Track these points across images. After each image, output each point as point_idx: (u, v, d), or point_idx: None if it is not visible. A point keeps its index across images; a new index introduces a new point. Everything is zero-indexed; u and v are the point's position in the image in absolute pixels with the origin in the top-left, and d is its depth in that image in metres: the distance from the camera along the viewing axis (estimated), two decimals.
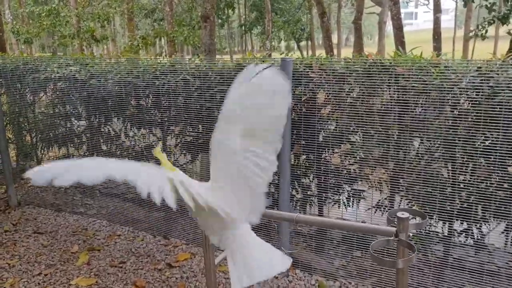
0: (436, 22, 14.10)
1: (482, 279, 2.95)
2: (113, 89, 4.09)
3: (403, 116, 2.98)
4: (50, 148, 4.94)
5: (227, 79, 3.47)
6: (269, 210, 1.71)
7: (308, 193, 3.40)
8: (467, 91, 2.67)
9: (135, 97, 4.06)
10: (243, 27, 24.38)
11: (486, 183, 2.76)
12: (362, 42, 15.43)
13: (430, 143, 2.94)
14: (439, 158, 2.93)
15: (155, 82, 3.80)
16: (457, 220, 2.96)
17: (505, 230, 2.90)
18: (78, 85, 4.30)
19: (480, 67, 2.78)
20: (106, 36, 17.41)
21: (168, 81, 3.74)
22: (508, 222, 2.82)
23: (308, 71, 3.15)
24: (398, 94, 2.92)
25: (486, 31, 10.32)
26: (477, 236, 2.98)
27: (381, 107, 3.02)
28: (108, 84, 4.10)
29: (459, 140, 2.78)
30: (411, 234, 1.48)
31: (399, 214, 1.47)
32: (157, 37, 14.57)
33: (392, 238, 1.46)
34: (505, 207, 2.73)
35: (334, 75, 3.09)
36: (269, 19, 15.60)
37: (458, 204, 2.89)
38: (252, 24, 23.54)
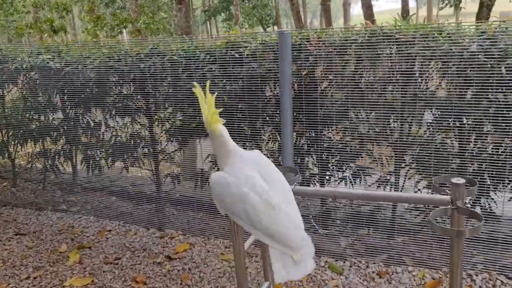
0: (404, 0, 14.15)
1: (493, 248, 2.91)
2: (93, 76, 3.82)
3: (409, 86, 2.87)
4: (25, 144, 4.61)
5: (218, 58, 3.27)
6: (304, 187, 1.56)
7: (313, 171, 3.26)
8: (478, 55, 2.57)
9: (116, 83, 3.81)
10: (206, 13, 23.93)
11: (498, 150, 2.69)
12: (332, 24, 15.38)
13: (439, 113, 2.85)
14: (449, 129, 2.85)
15: (139, 65, 3.55)
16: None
17: None
18: (53, 74, 4.00)
19: (484, 32, 2.70)
20: (65, 27, 16.65)
21: (154, 63, 3.50)
22: None
23: (306, 44, 2.99)
24: (404, 63, 2.80)
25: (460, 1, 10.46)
26: (487, 206, 2.93)
27: (386, 78, 2.90)
28: (87, 71, 3.82)
29: (469, 107, 2.69)
30: (467, 201, 1.36)
31: (454, 180, 1.34)
32: (120, 25, 14.00)
33: (449, 206, 1.33)
34: None
35: (334, 47, 2.94)
36: (236, 4, 15.31)
37: (468, 174, 2.81)
38: (217, 10, 23.13)
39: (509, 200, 2.92)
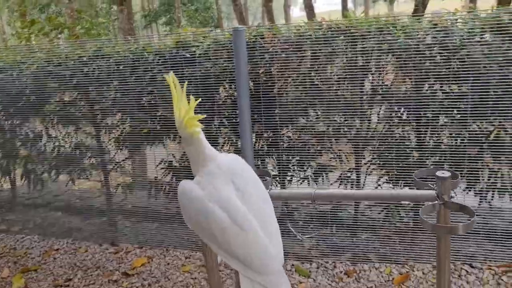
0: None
1: (454, 238, 2.94)
2: (29, 83, 3.51)
3: (364, 81, 2.85)
4: None
5: (168, 59, 3.10)
6: (284, 190, 1.44)
7: (274, 172, 3.16)
8: (433, 47, 2.58)
9: (57, 89, 3.52)
10: (147, 18, 23.35)
11: (456, 141, 2.72)
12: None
13: (397, 107, 2.83)
14: (407, 122, 2.84)
15: (82, 69, 3.30)
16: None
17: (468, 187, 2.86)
18: None
19: (436, 24, 2.72)
20: None
21: (98, 66, 3.27)
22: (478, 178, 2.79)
23: (261, 42, 2.89)
24: (361, 57, 2.77)
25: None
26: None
27: (343, 73, 2.85)
28: (23, 77, 3.51)
29: (427, 100, 2.70)
30: (454, 195, 1.30)
31: (439, 173, 1.27)
32: (56, 30, 13.23)
33: (437, 202, 1.26)
34: (476, 164, 2.70)
35: (289, 44, 2.86)
36: (178, 6, 15.01)
37: (429, 166, 2.82)
38: (158, 14, 22.64)
39: (463, 190, 2.95)
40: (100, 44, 3.43)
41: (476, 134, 2.64)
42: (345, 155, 3.11)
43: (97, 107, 3.50)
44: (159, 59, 3.16)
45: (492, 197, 2.72)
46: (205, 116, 1.24)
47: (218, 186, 1.25)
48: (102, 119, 3.57)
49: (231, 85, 3.04)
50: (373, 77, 2.89)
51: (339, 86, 2.89)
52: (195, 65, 3.01)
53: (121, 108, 3.36)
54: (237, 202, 1.23)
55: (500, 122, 2.60)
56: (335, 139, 3.05)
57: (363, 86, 2.90)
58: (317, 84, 2.92)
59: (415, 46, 2.60)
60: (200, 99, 1.25)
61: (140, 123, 3.30)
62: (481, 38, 2.53)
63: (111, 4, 18.01)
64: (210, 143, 1.32)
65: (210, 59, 2.99)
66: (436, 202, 1.25)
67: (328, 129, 3.00)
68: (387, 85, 2.85)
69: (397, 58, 2.70)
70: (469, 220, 1.16)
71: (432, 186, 1.33)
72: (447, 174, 1.27)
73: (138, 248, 3.43)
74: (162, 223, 3.53)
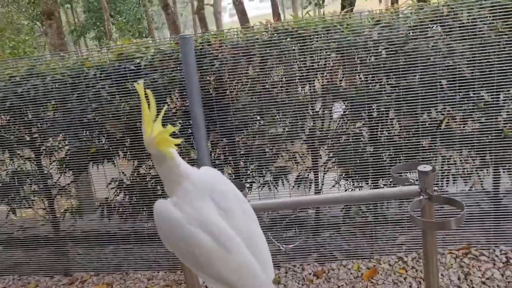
0: (273, 3, 14.67)
1: (411, 227, 3.01)
2: None
3: (316, 81, 2.86)
4: None
5: (112, 73, 2.94)
6: (262, 201, 1.38)
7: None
8: (381, 43, 2.63)
9: None
10: (74, 33, 22.44)
11: (409, 133, 2.78)
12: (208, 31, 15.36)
13: (349, 105, 2.86)
14: (359, 118, 2.87)
15: (16, 90, 3.05)
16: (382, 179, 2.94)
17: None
18: None
19: (379, 21, 2.77)
20: None
21: (34, 85, 3.03)
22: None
23: (209, 49, 2.81)
24: (309, 57, 2.77)
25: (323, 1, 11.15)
26: None
27: (293, 74, 2.84)
28: None
29: (378, 95, 2.74)
30: (436, 189, 1.29)
31: (421, 168, 1.27)
32: None
33: (422, 197, 1.25)
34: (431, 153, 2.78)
35: (238, 49, 2.80)
36: (108, 19, 14.52)
37: (385, 160, 2.87)
38: (86, 28, 21.80)
39: (416, 180, 3.03)
40: (33, 62, 3.19)
41: (428, 124, 2.72)
42: (300, 156, 3.11)
43: (35, 130, 3.25)
44: (101, 74, 2.99)
45: (447, 183, 2.81)
46: (182, 141, 1.12)
47: (197, 205, 1.15)
48: (42, 142, 3.32)
49: (181, 95, 2.93)
50: (322, 76, 2.90)
51: (289, 88, 2.88)
52: (141, 77, 2.87)
53: (63, 129, 3.14)
54: (220, 221, 1.14)
55: (448, 111, 2.69)
56: (290, 141, 3.04)
57: (314, 86, 2.90)
58: (268, 88, 2.89)
59: (363, 43, 2.63)
60: (178, 126, 1.13)
61: (85, 142, 3.10)
62: (423, 32, 2.61)
63: (33, 20, 17.11)
64: None
65: (156, 70, 2.87)
66: (422, 197, 1.24)
67: (284, 131, 2.97)
68: (336, 83, 2.88)
69: (345, 56, 2.72)
70: (459, 214, 1.15)
71: (412, 181, 1.31)
72: (428, 168, 1.27)
73: (95, 275, 3.21)
74: (119, 245, 3.34)
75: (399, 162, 2.83)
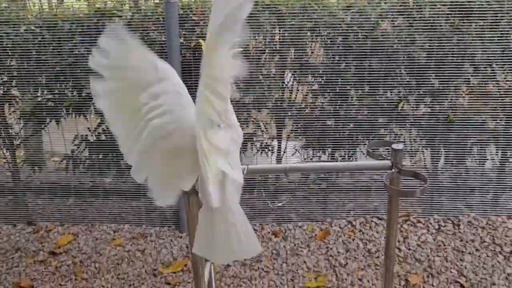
0: None
1: (364, 195, 3.37)
2: None
3: (286, 55, 3.05)
4: None
5: (89, 28, 2.95)
6: (256, 165, 1.59)
7: None
8: (353, 27, 2.86)
9: None
10: None
11: (369, 110, 3.08)
12: None
13: (316, 78, 3.09)
14: (323, 92, 3.12)
15: None
16: (341, 149, 3.25)
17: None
18: None
19: (349, 6, 2.99)
20: None
21: (7, 33, 2.97)
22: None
23: (191, 15, 2.90)
24: (287, 34, 2.95)
25: None
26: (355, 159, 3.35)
27: (267, 45, 3.01)
28: None
29: (348, 70, 2.99)
30: (404, 164, 1.56)
31: (395, 146, 1.52)
32: None
33: (393, 170, 1.51)
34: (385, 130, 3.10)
35: None
36: None
37: (343, 132, 3.16)
38: None
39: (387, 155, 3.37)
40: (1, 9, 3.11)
41: (387, 105, 3.02)
42: (265, 125, 3.33)
43: None
44: (76, 28, 2.99)
45: None
46: None
47: None
48: (6, 92, 3.27)
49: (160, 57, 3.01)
50: (296, 50, 3.10)
51: (265, 58, 3.05)
52: None
53: (32, 80, 3.12)
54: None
55: (404, 95, 3.01)
56: (258, 110, 3.24)
57: (286, 59, 3.09)
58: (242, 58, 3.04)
59: (338, 25, 2.85)
60: None
61: (59, 96, 3.11)
62: (390, 20, 2.87)
63: None
64: None
65: (136, 30, 2.92)
66: (393, 170, 1.50)
67: (253, 100, 3.16)
68: (308, 58, 3.09)
69: (320, 35, 2.93)
70: (422, 185, 1.43)
71: (384, 156, 1.57)
72: (400, 146, 1.52)
73: (60, 225, 3.30)
74: (80, 198, 3.42)
75: (357, 137, 3.14)
